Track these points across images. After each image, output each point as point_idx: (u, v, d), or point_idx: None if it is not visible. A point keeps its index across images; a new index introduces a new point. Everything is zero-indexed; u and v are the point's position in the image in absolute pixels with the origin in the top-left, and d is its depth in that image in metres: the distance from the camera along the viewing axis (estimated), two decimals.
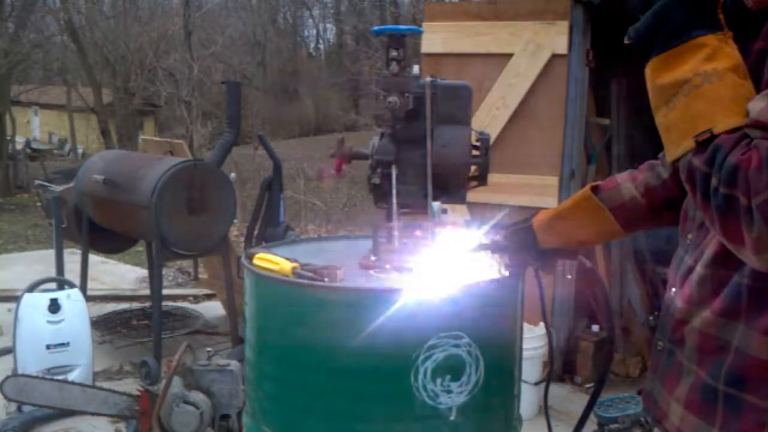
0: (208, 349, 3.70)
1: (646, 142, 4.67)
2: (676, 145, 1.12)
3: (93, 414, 3.50)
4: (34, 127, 28.53)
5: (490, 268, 1.75)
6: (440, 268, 1.74)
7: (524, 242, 1.63)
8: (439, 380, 1.56)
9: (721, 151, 1.04)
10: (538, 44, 4.20)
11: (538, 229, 1.61)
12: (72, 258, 5.57)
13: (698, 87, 1.08)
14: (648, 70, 1.15)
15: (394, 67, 1.78)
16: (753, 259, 1.06)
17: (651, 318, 4.67)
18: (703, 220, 1.22)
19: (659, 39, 1.13)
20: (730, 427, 1.20)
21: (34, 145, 23.16)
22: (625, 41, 1.18)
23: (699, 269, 1.26)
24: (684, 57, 1.10)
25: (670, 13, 1.12)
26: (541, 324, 3.25)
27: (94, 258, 5.89)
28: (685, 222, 1.36)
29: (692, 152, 1.09)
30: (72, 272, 4.99)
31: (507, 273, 1.69)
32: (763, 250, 1.03)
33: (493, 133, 4.18)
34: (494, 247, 1.67)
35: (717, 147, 1.05)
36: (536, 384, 3.85)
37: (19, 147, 18.87)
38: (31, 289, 4.14)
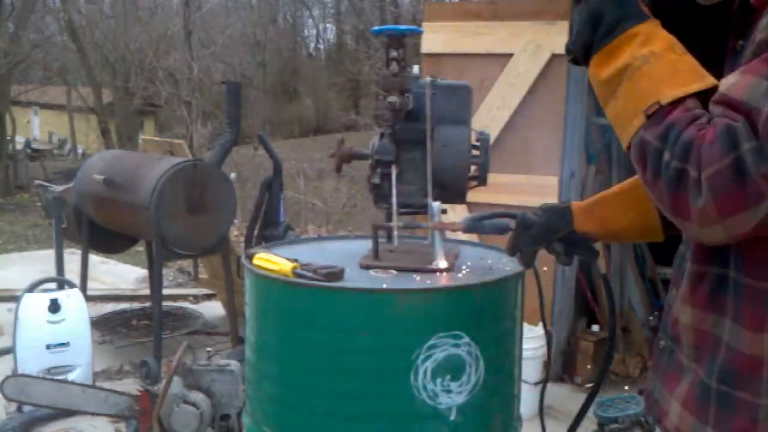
0: (208, 349, 3.70)
1: None
2: (627, 126, 1.16)
3: (93, 414, 3.51)
4: (34, 127, 28.52)
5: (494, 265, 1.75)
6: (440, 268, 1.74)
7: (557, 219, 1.58)
8: (439, 380, 1.56)
9: (675, 128, 1.08)
10: (538, 44, 4.20)
11: (576, 210, 1.58)
12: (72, 258, 5.57)
13: (639, 69, 1.15)
14: (591, 70, 1.23)
15: (394, 67, 1.78)
16: (699, 232, 1.10)
17: (651, 318, 4.67)
18: None
19: (596, 39, 1.21)
20: (724, 426, 1.19)
21: (34, 145, 23.15)
22: (567, 59, 1.27)
23: (689, 265, 1.26)
24: (621, 48, 1.18)
25: (601, 15, 1.20)
26: (542, 324, 3.24)
27: (94, 258, 5.90)
28: None
29: (644, 128, 1.13)
30: (72, 272, 4.99)
31: (516, 258, 1.65)
32: (707, 223, 1.06)
33: (493, 133, 4.18)
34: (522, 220, 1.61)
35: (671, 124, 1.09)
36: (536, 384, 3.85)
37: (19, 147, 18.87)
38: (31, 289, 4.14)
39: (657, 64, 1.15)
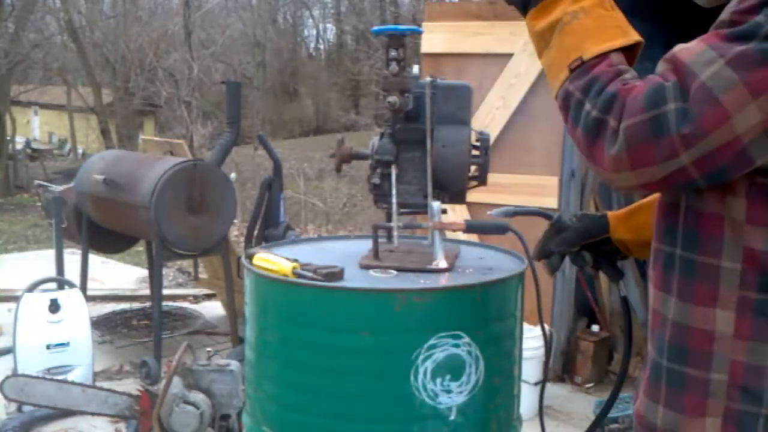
0: (208, 349, 3.70)
1: None
2: (555, 79, 1.23)
3: (93, 414, 3.50)
4: (34, 127, 28.52)
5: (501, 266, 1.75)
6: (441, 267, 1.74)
7: (593, 225, 1.61)
8: (439, 380, 1.56)
9: (598, 82, 1.15)
10: None
11: (612, 218, 1.61)
12: (72, 258, 5.57)
13: (568, 24, 1.22)
14: (527, 22, 1.30)
15: (394, 67, 1.77)
16: (612, 178, 1.15)
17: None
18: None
19: None
20: (675, 404, 1.21)
21: (34, 145, 23.16)
22: (506, 2, 1.36)
23: (652, 243, 1.29)
24: (555, 3, 1.25)
25: None
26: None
27: (94, 258, 5.89)
28: None
29: (568, 80, 1.19)
30: (72, 272, 4.99)
31: (542, 263, 1.65)
32: (620, 169, 1.12)
33: (493, 133, 4.18)
34: (557, 223, 1.62)
35: (594, 77, 1.16)
36: (536, 384, 3.85)
37: (19, 147, 18.88)
38: (31, 289, 4.14)
39: (584, 19, 1.21)
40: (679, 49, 1.11)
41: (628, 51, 1.20)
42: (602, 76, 1.15)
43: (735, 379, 1.15)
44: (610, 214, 1.63)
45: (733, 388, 1.15)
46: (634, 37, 1.20)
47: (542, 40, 1.26)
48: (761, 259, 1.13)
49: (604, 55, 1.17)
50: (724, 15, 1.10)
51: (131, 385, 3.95)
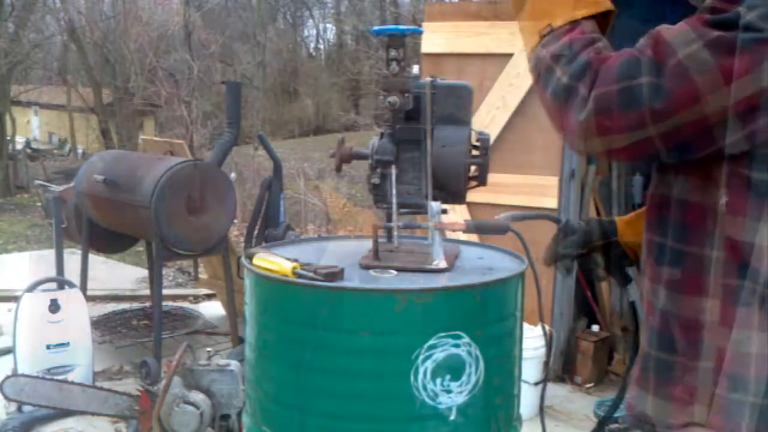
0: (208, 349, 3.70)
1: None
2: (527, 43, 1.25)
3: (93, 414, 3.51)
4: (34, 127, 28.52)
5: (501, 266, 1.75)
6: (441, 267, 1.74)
7: (602, 228, 1.63)
8: (439, 380, 1.56)
9: (570, 50, 1.17)
10: None
11: (619, 222, 1.63)
12: (72, 258, 5.57)
13: None
14: None
15: (394, 67, 1.77)
16: (579, 144, 1.18)
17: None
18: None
19: None
20: (663, 392, 1.22)
21: (34, 145, 23.17)
22: None
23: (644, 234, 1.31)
24: None
25: None
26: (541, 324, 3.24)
27: (94, 258, 5.89)
28: None
29: (540, 45, 1.21)
30: (72, 272, 4.99)
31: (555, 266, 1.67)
32: (587, 135, 1.15)
33: (493, 133, 4.18)
34: (565, 226, 1.65)
35: (566, 44, 1.18)
36: (536, 384, 3.85)
37: (19, 147, 18.88)
38: (31, 289, 4.14)
39: None
40: (664, 28, 1.14)
41: (602, 18, 1.22)
42: (574, 44, 1.17)
43: (722, 366, 1.17)
44: (618, 218, 1.65)
45: (720, 375, 1.17)
46: (605, 5, 1.22)
47: (518, 2, 1.27)
48: (741, 248, 1.15)
49: (575, 23, 1.19)
50: (708, 1, 1.13)
51: (131, 385, 3.95)
